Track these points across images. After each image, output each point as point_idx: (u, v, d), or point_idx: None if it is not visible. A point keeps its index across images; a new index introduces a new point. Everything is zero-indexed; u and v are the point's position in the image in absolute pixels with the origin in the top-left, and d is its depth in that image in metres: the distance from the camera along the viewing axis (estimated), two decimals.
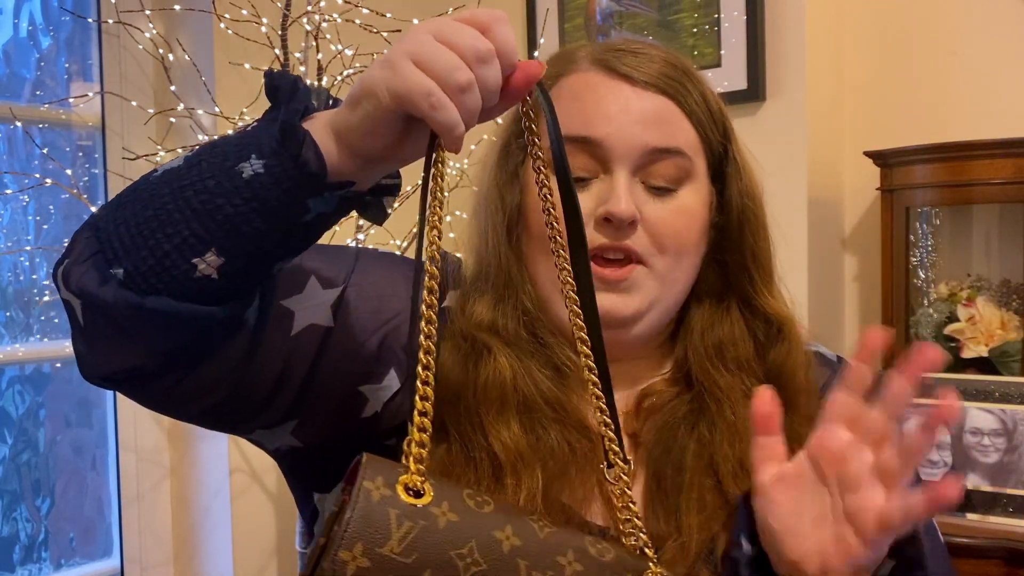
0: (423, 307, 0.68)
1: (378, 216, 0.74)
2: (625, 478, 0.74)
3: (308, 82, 0.75)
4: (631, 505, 0.72)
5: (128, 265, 0.69)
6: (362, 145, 0.68)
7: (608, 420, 0.73)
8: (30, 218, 2.02)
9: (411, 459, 0.66)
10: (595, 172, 0.84)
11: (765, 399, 0.75)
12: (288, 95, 0.71)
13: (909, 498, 0.67)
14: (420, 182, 0.70)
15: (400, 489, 0.64)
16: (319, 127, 0.69)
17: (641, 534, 0.71)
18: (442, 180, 0.69)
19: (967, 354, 1.94)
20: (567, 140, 0.81)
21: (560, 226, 0.74)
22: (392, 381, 0.82)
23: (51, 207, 2.03)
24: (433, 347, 0.67)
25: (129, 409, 2.06)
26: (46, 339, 2.02)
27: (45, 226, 2.03)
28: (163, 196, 0.70)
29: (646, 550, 0.69)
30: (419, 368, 0.67)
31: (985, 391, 1.85)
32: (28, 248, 1.99)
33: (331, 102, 0.74)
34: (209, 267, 0.68)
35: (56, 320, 2.03)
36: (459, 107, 0.64)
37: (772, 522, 0.73)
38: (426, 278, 0.68)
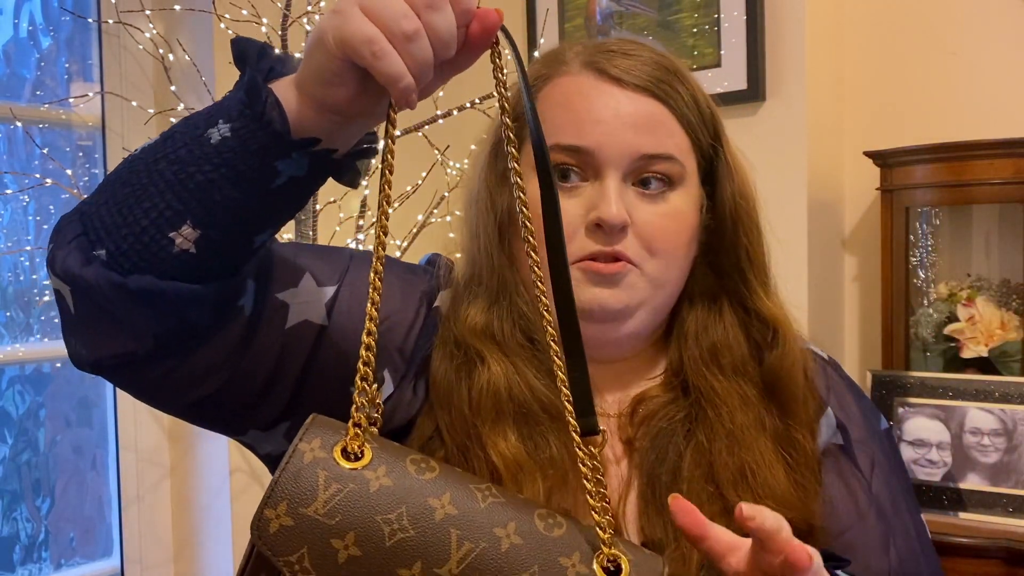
0: (371, 274, 0.66)
1: (353, 179, 0.73)
2: (594, 450, 0.68)
3: (277, 51, 0.74)
4: (599, 478, 0.67)
5: (110, 245, 0.69)
6: (323, 96, 0.66)
7: (567, 390, 0.68)
8: (30, 218, 2.02)
9: (350, 422, 0.65)
10: (585, 177, 0.83)
11: None
12: (256, 59, 0.70)
13: None
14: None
15: (337, 452, 0.64)
16: (283, 86, 0.68)
17: (599, 515, 0.66)
18: (392, 143, 0.66)
19: (967, 354, 1.94)
20: (558, 148, 0.81)
21: (526, 196, 0.70)
22: (385, 384, 0.82)
23: (51, 207, 2.03)
24: (378, 299, 0.66)
25: (129, 409, 2.06)
26: (46, 339, 2.02)
27: (45, 226, 2.03)
28: (139, 172, 0.70)
29: (599, 531, 0.65)
30: (366, 323, 0.66)
31: (985, 391, 1.85)
32: (28, 248, 1.99)
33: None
34: (186, 240, 0.68)
35: (56, 320, 2.03)
36: (406, 57, 0.61)
37: None
38: (377, 245, 0.66)
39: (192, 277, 0.69)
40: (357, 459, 0.64)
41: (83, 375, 2.06)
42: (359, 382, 0.65)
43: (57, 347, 2.01)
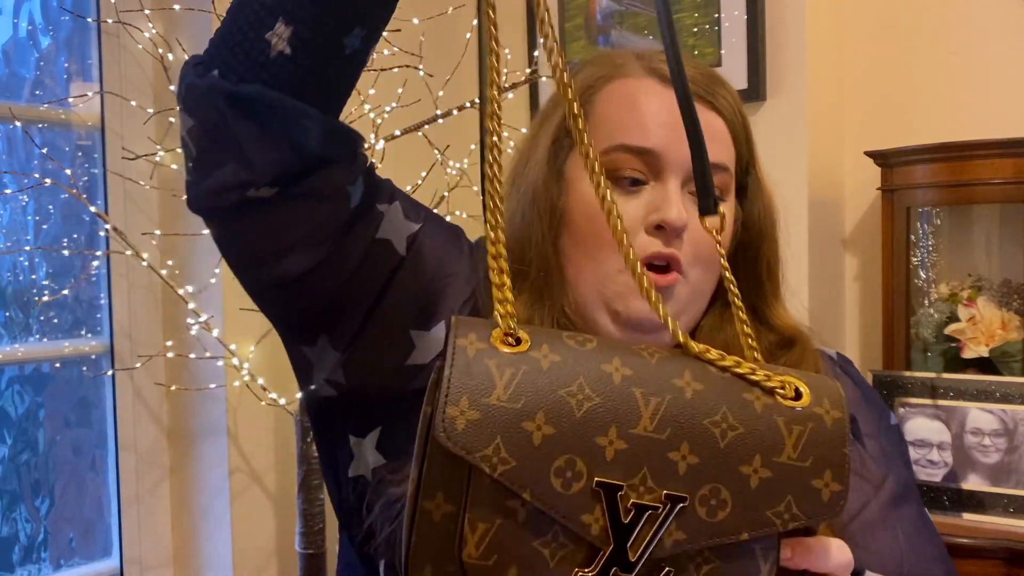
0: (489, 155, 0.66)
1: None
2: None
3: None
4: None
5: (219, 61, 0.75)
6: None
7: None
8: (29, 218, 2.02)
9: (496, 310, 0.64)
10: (645, 180, 0.84)
11: None
12: None
13: None
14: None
15: (496, 340, 0.63)
16: None
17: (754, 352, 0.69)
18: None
19: (968, 354, 1.94)
20: (622, 148, 0.84)
21: None
22: (439, 333, 0.84)
23: (51, 207, 2.02)
24: (500, 189, 0.65)
25: (129, 409, 2.06)
26: (46, 339, 2.02)
27: (44, 226, 2.03)
28: None
29: (756, 355, 0.68)
30: (489, 231, 0.65)
31: (986, 391, 1.85)
32: (28, 248, 1.99)
33: None
34: (280, 40, 0.72)
35: (56, 320, 2.03)
36: None
37: None
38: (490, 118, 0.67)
39: (296, 93, 0.73)
40: (517, 343, 0.63)
41: (82, 375, 2.07)
42: (492, 261, 0.65)
43: (57, 347, 2.01)
